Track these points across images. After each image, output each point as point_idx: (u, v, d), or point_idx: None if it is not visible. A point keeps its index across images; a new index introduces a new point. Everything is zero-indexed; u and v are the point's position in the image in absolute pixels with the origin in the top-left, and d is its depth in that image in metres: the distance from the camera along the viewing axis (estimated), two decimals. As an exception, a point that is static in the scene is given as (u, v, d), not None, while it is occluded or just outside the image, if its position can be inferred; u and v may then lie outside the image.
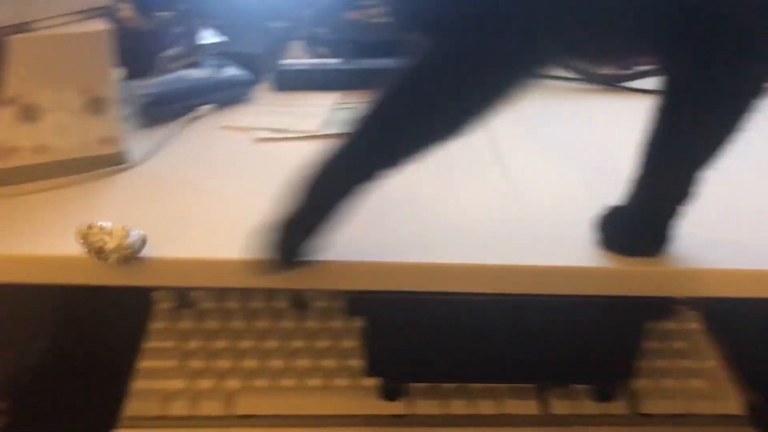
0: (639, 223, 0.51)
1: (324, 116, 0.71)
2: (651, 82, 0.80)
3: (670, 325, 0.70)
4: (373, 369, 0.61)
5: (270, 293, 0.72)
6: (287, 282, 0.49)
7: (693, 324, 0.71)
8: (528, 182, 0.60)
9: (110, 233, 0.47)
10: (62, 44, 0.53)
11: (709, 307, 0.72)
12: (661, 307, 0.55)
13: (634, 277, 0.50)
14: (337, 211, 0.45)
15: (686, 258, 0.50)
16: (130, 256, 0.47)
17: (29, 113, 0.54)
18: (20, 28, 0.52)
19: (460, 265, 0.49)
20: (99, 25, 0.54)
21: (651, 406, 0.63)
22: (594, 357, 0.58)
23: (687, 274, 0.50)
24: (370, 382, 0.64)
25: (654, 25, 0.43)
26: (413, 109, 0.43)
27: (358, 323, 0.69)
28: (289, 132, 0.67)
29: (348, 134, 0.44)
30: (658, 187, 0.50)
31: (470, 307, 0.56)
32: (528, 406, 0.63)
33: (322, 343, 0.67)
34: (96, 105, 0.55)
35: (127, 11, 0.81)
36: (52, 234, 0.50)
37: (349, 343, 0.67)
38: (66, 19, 0.54)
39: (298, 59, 0.83)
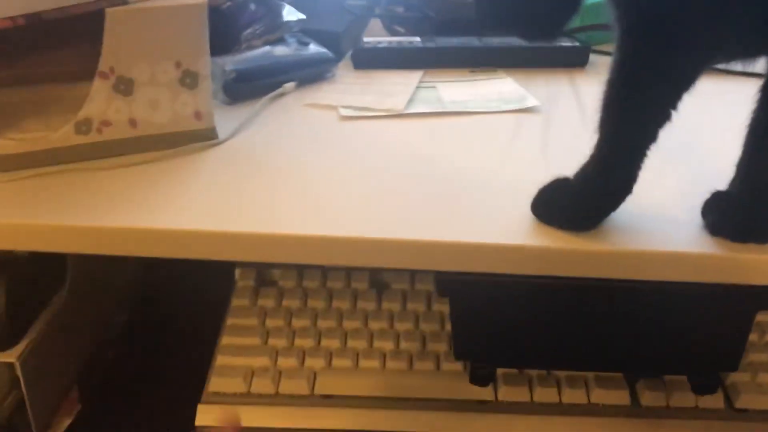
0: (750, 208, 0.48)
1: (407, 95, 0.70)
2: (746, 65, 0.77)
3: (767, 317, 0.67)
4: (459, 352, 0.59)
5: (348, 272, 0.72)
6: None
7: (791, 317, 0.68)
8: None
9: None
10: (159, 17, 0.53)
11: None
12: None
13: (742, 264, 0.48)
14: (624, 176, 0.47)
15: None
16: None
17: (124, 87, 0.54)
18: (117, 1, 0.52)
19: (567, 250, 0.48)
20: (195, -1, 0.54)
21: (747, 401, 0.61)
22: (700, 347, 0.56)
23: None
24: (454, 366, 0.63)
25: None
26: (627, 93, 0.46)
27: (438, 306, 0.68)
28: (373, 110, 0.66)
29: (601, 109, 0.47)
30: None
31: (563, 292, 0.54)
32: (619, 397, 0.61)
33: (403, 326, 0.66)
34: (190, 79, 0.55)
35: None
36: (144, 207, 0.50)
37: (430, 327, 0.66)
38: (162, -8, 0.54)
39: (375, 37, 0.82)
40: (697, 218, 0.50)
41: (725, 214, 0.49)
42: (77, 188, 0.52)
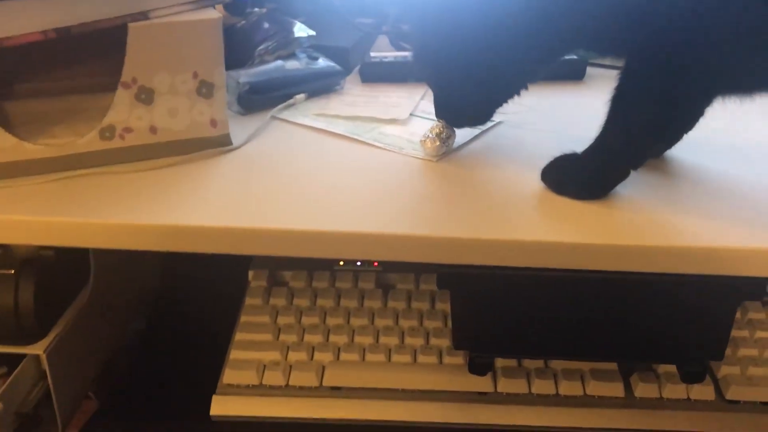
0: (590, 166, 0.54)
1: (409, 106, 0.73)
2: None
3: (757, 314, 0.70)
4: (458, 342, 0.63)
5: (356, 274, 0.75)
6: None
7: (781, 314, 0.70)
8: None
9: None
10: (178, 31, 0.57)
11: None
12: (753, 287, 0.55)
13: (725, 255, 0.51)
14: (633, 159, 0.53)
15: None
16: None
17: (146, 96, 0.58)
18: (139, 16, 0.56)
19: (552, 243, 0.51)
20: (211, 14, 0.58)
21: (738, 393, 0.63)
22: (687, 337, 0.58)
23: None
24: (455, 360, 0.66)
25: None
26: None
27: (441, 305, 0.71)
28: (378, 120, 0.70)
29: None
30: (606, 136, 0.53)
31: (558, 283, 0.57)
32: (613, 389, 0.63)
33: (407, 323, 0.70)
34: (206, 89, 0.59)
35: (220, 10, 0.86)
36: (163, 205, 0.54)
37: (433, 324, 0.69)
38: (180, 8, 0.58)
39: (382, 53, 0.86)
40: (680, 213, 0.53)
41: (568, 174, 0.54)
42: (101, 189, 0.56)
